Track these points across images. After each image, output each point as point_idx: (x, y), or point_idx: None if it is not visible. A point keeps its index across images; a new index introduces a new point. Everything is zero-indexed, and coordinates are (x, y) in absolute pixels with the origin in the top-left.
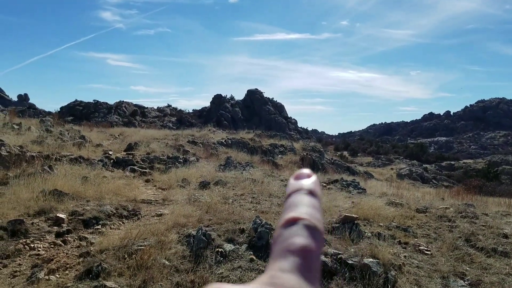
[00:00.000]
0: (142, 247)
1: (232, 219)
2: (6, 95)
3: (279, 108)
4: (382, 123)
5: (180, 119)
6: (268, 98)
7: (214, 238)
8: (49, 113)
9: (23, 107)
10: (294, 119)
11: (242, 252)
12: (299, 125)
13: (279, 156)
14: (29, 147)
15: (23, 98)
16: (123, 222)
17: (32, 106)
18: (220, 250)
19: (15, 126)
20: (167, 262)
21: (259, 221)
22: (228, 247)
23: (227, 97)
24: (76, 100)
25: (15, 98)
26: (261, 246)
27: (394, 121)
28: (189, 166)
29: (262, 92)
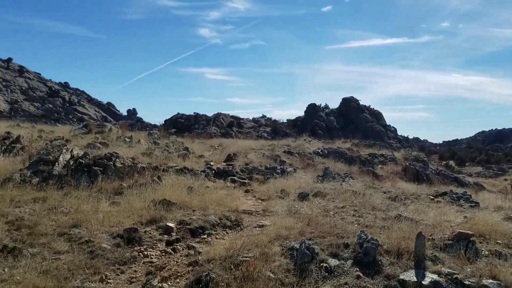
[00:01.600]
0: (247, 259)
1: (335, 233)
2: (117, 109)
3: (377, 115)
4: (492, 129)
5: (274, 129)
6: (365, 105)
7: (317, 252)
8: (155, 126)
9: (132, 120)
10: (393, 127)
11: (348, 268)
12: (399, 133)
13: (379, 166)
14: (140, 159)
15: (132, 112)
16: (226, 232)
17: (140, 120)
18: (325, 265)
19: (127, 139)
20: (272, 275)
21: (364, 236)
22: (333, 262)
23: (321, 106)
24: (178, 113)
25: (124, 113)
26: (367, 262)
27: (506, 127)
28: (287, 176)
29: (358, 100)
